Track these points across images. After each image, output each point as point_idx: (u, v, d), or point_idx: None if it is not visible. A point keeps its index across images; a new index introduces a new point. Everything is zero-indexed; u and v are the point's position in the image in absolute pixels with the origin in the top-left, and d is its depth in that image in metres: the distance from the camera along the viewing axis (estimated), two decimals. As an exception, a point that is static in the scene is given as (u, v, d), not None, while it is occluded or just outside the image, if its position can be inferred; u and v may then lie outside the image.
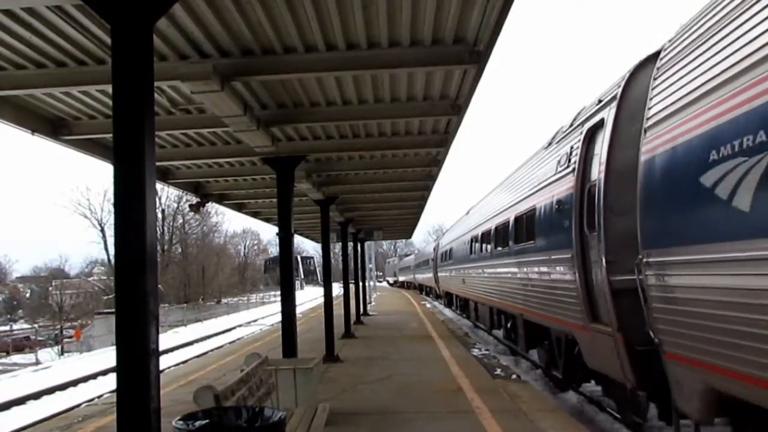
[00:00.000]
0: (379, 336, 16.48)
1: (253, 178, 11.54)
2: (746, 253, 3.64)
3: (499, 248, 12.45)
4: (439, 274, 29.14)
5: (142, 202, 3.35)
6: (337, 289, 31.12)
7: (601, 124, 6.75)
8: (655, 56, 5.86)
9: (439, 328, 18.22)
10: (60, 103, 6.75)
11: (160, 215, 58.89)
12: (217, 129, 7.58)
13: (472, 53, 5.53)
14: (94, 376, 18.22)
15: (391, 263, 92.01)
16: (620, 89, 6.37)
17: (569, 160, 7.60)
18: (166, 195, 58.20)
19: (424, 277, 38.76)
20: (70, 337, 34.75)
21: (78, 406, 12.18)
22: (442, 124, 8.46)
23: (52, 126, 7.21)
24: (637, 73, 6.35)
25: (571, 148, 7.64)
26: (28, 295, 74.17)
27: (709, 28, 4.53)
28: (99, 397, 13.61)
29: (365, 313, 23.89)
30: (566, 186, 7.51)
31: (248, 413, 3.68)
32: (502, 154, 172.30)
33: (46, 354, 29.62)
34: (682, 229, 4.49)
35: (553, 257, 8.07)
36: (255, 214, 17.18)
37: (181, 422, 3.37)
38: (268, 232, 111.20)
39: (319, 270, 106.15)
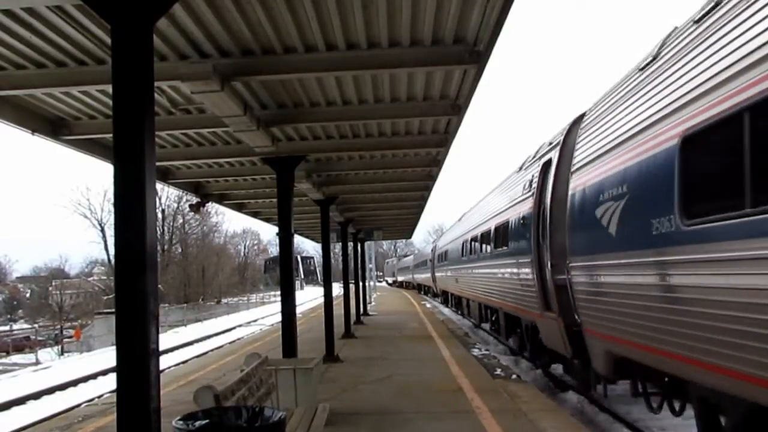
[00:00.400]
0: (379, 336, 16.49)
1: (253, 178, 11.54)
2: (616, 261, 5.85)
3: (483, 252, 14.67)
4: (436, 274, 30.93)
5: (142, 202, 3.35)
6: (337, 289, 31.13)
7: (550, 162, 8.71)
8: (581, 117, 7.96)
9: (439, 328, 18.23)
10: (60, 103, 6.75)
11: (160, 215, 58.87)
12: (217, 129, 7.58)
13: (472, 53, 5.53)
14: (94, 376, 18.21)
15: (390, 263, 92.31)
16: (562, 137, 8.40)
17: (531, 186, 9.58)
18: (166, 195, 58.26)
19: (423, 277, 41.30)
20: (70, 337, 34.73)
21: (78, 406, 12.18)
22: (442, 124, 8.46)
23: (52, 126, 7.21)
24: (573, 127, 8.23)
25: (532, 176, 9.58)
26: (28, 295, 74.14)
27: (603, 112, 6.81)
28: (99, 397, 13.61)
29: (365, 313, 23.89)
30: (528, 206, 9.51)
31: (248, 413, 3.68)
32: (502, 154, 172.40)
33: (46, 354, 29.61)
34: (587, 243, 6.67)
35: (520, 261, 10.05)
36: (255, 214, 17.18)
37: (181, 422, 3.37)
38: (268, 232, 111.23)
39: (319, 270, 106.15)
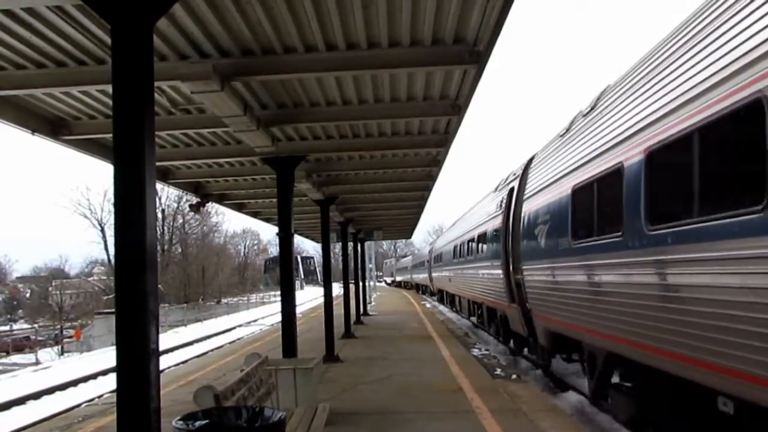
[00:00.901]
0: (379, 336, 16.49)
1: (253, 178, 11.54)
2: (545, 265, 8.52)
3: (470, 256, 17.16)
4: (432, 275, 33.47)
5: (142, 202, 3.35)
6: (337, 289, 31.16)
7: (513, 189, 11.42)
8: (533, 157, 10.57)
9: (439, 328, 18.23)
10: (60, 103, 6.75)
11: (160, 215, 58.88)
12: (217, 129, 7.58)
13: (472, 53, 5.53)
14: (94, 376, 18.22)
15: (389, 264, 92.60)
16: (521, 171, 11.01)
17: (501, 205, 12.20)
18: (166, 195, 58.29)
19: (421, 277, 43.74)
20: (70, 337, 34.75)
21: (78, 406, 12.19)
22: (442, 124, 8.46)
23: (52, 126, 7.21)
24: (528, 164, 10.73)
25: (502, 198, 12.28)
26: (28, 295, 74.13)
27: (540, 160, 9.59)
28: (99, 397, 13.62)
29: (365, 313, 23.89)
30: (500, 221, 12.16)
31: (248, 413, 3.68)
32: (502, 154, 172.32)
33: (46, 354, 29.62)
34: (530, 252, 9.43)
35: (494, 264, 12.65)
36: (255, 214, 17.18)
37: (181, 422, 3.38)
38: (268, 232, 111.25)
39: (319, 270, 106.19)
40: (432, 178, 12.74)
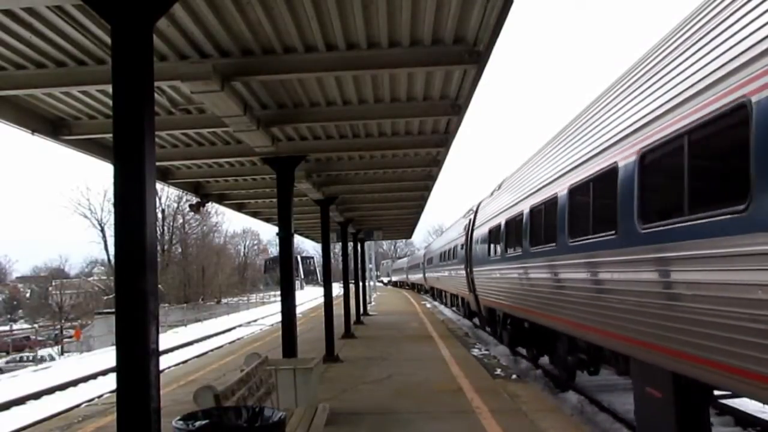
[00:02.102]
0: (379, 336, 16.49)
1: (253, 178, 11.54)
2: (482, 269, 14.75)
3: (449, 262, 24.24)
4: (426, 275, 40.52)
5: (142, 202, 3.35)
6: (337, 289, 31.16)
7: (469, 221, 17.42)
8: (481, 202, 16.57)
9: (439, 328, 18.23)
10: (60, 103, 6.75)
11: (160, 215, 58.86)
12: (217, 129, 7.58)
13: (472, 53, 5.53)
14: (94, 376, 18.23)
15: (386, 265, 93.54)
16: (476, 208, 17.00)
17: (465, 229, 18.25)
18: (166, 195, 58.25)
19: (416, 277, 51.00)
20: (70, 337, 34.75)
21: (78, 406, 12.18)
22: (442, 124, 8.46)
23: (52, 126, 7.20)
24: (478, 205, 16.66)
25: (465, 225, 18.58)
26: (28, 295, 74.17)
27: (478, 209, 16.53)
28: (99, 397, 13.61)
29: (365, 313, 23.89)
30: (463, 239, 18.49)
31: (248, 413, 3.68)
32: (502, 154, 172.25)
33: (46, 354, 29.60)
34: (476, 261, 15.57)
35: (461, 267, 19.11)
36: (255, 214, 17.18)
37: (181, 422, 3.37)
38: (268, 232, 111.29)
39: (319, 270, 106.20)
40: (432, 178, 12.74)
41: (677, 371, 4.91)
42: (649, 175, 5.27)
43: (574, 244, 7.23)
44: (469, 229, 17.16)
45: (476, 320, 19.56)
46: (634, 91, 5.71)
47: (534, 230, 9.39)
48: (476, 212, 16.56)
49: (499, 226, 12.21)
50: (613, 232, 5.87)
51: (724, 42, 4.09)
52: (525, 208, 9.87)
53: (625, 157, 5.65)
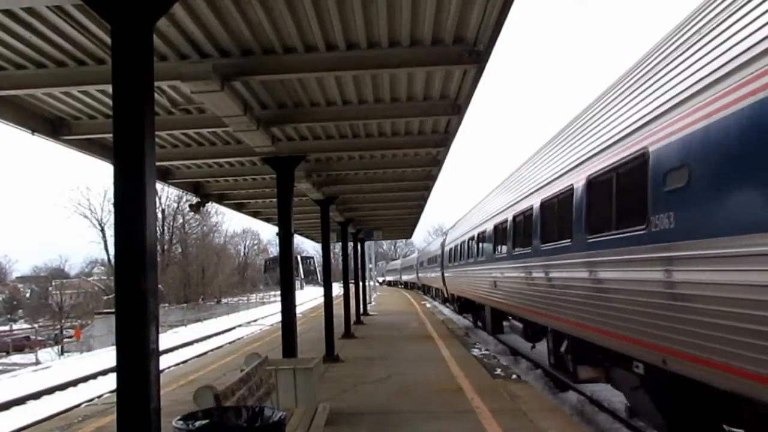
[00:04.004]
0: (379, 336, 16.49)
1: (253, 178, 11.53)
2: (451, 269, 23.34)
3: (431, 266, 33.84)
4: (419, 275, 47.87)
5: (142, 202, 3.35)
6: (337, 289, 31.19)
7: (443, 240, 28.44)
8: (452, 226, 26.39)
9: (439, 328, 18.24)
10: (60, 103, 6.75)
11: (160, 215, 58.88)
12: (217, 129, 7.58)
13: (472, 53, 5.52)
14: (94, 376, 18.21)
15: (380, 266, 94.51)
16: (447, 232, 29.64)
17: (441, 245, 28.55)
18: (166, 195, 58.28)
19: (409, 277, 60.35)
20: (70, 337, 34.72)
21: (78, 406, 12.17)
22: (442, 124, 8.46)
23: (52, 126, 7.20)
24: (450, 228, 27.57)
25: (441, 242, 29.33)
26: (28, 295, 74.12)
27: (451, 229, 26.61)
28: (99, 397, 13.61)
29: (365, 313, 23.89)
30: (438, 252, 29.67)
31: (248, 413, 3.68)
32: (502, 154, 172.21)
33: (46, 354, 29.61)
34: (449, 265, 24.14)
35: (436, 269, 30.18)
36: (255, 214, 17.17)
37: (181, 422, 3.38)
38: (268, 232, 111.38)
39: (319, 270, 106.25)
40: (432, 178, 12.74)
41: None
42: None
43: (499, 257, 12.54)
44: (443, 244, 26.97)
45: (449, 305, 27.87)
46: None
47: (479, 247, 15.28)
48: (447, 234, 27.46)
49: (458, 244, 20.15)
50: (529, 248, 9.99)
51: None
52: (473, 234, 16.28)
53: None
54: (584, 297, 6.74)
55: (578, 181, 7.05)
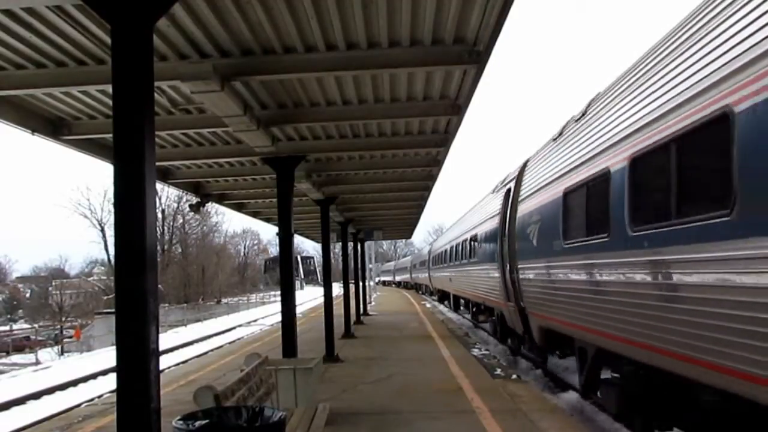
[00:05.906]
0: (379, 336, 16.49)
1: (253, 178, 11.53)
2: (439, 272, 29.74)
3: (421, 268, 40.72)
4: (412, 275, 52.80)
5: (142, 202, 3.35)
6: (337, 289, 31.20)
7: (429, 249, 37.55)
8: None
9: (439, 328, 18.23)
10: (60, 103, 6.75)
11: (160, 215, 58.87)
12: (217, 129, 7.58)
13: (472, 53, 5.53)
14: (94, 376, 18.21)
15: (375, 267, 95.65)
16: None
17: (428, 253, 37.76)
18: (166, 195, 58.29)
19: (402, 277, 66.64)
20: (70, 337, 34.70)
21: (78, 406, 12.17)
22: (442, 124, 8.46)
23: (52, 126, 7.20)
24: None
25: (428, 251, 38.53)
26: (28, 295, 74.07)
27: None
28: (99, 397, 13.60)
29: (365, 313, 23.89)
30: (426, 258, 39.55)
31: (248, 413, 3.68)
32: (502, 154, 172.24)
33: (46, 354, 29.58)
34: (432, 266, 33.21)
35: (424, 271, 39.19)
36: (255, 214, 17.17)
37: (181, 422, 3.37)
38: (268, 232, 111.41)
39: (319, 270, 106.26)
40: (432, 178, 12.74)
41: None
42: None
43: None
44: (429, 252, 26.96)
45: (433, 297, 31.05)
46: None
47: (446, 256, 20.90)
48: (431, 245, 29.08)
49: (438, 254, 22.91)
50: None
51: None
52: (446, 248, 23.18)
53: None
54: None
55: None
